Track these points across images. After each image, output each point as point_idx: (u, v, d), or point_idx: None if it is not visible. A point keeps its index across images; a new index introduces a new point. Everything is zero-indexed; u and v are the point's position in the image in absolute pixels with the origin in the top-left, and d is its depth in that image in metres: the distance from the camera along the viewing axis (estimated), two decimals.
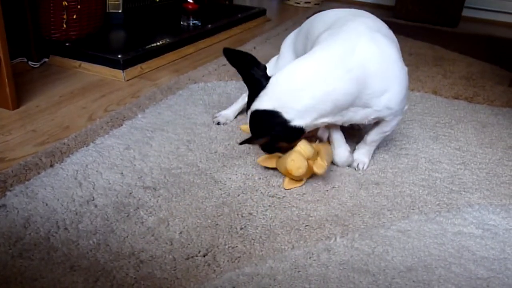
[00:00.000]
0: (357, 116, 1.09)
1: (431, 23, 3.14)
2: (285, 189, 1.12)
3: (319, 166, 1.09)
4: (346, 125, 1.15)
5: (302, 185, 1.14)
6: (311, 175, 1.14)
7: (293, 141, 1.08)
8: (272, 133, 1.05)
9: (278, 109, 1.01)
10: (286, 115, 1.01)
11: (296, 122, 1.02)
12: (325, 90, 1.00)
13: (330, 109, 1.03)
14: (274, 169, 1.18)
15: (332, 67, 1.01)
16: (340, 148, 1.21)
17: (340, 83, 1.01)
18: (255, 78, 1.06)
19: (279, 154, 1.14)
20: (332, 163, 1.23)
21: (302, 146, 1.08)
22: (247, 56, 1.07)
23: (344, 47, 1.03)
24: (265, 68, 1.08)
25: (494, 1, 3.37)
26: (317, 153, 1.12)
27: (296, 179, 1.13)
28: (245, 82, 1.10)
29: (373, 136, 1.22)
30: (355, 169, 1.24)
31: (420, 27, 3.04)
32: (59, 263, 0.84)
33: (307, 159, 1.08)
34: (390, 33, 1.16)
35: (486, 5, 3.39)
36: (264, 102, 1.03)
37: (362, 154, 1.25)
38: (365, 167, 1.24)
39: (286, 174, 1.12)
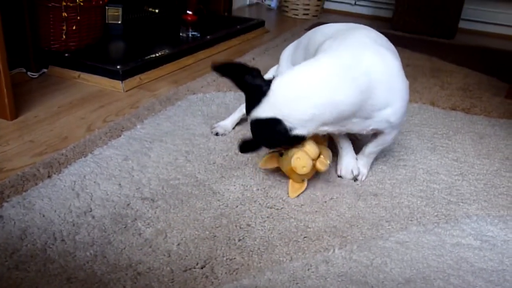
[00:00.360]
0: (357, 126, 1.09)
1: (428, 34, 3.17)
2: (292, 198, 1.13)
3: (322, 163, 1.10)
4: (343, 134, 1.16)
5: (304, 189, 1.15)
6: (312, 176, 1.16)
7: (295, 145, 1.09)
8: (273, 143, 1.05)
9: (280, 117, 0.99)
10: (288, 124, 0.99)
11: (298, 131, 1.00)
12: (329, 98, 0.98)
13: (332, 119, 1.02)
14: (274, 174, 1.18)
15: (337, 75, 0.99)
16: (348, 156, 1.23)
17: (344, 92, 0.99)
18: (253, 85, 1.03)
19: (281, 152, 1.14)
20: (337, 175, 1.25)
21: (308, 147, 1.08)
22: (236, 65, 1.05)
23: (350, 55, 1.02)
24: (259, 71, 1.04)
25: (490, 13, 3.41)
26: (320, 154, 1.13)
27: (298, 180, 1.14)
28: (242, 90, 1.07)
29: (371, 148, 1.22)
30: (353, 180, 1.24)
31: (418, 39, 3.06)
32: (55, 275, 0.83)
33: (312, 159, 1.09)
34: (391, 47, 1.16)
35: (482, 17, 3.43)
36: (265, 110, 1.00)
37: (361, 165, 1.25)
38: (363, 178, 1.24)
39: (289, 172, 1.13)
